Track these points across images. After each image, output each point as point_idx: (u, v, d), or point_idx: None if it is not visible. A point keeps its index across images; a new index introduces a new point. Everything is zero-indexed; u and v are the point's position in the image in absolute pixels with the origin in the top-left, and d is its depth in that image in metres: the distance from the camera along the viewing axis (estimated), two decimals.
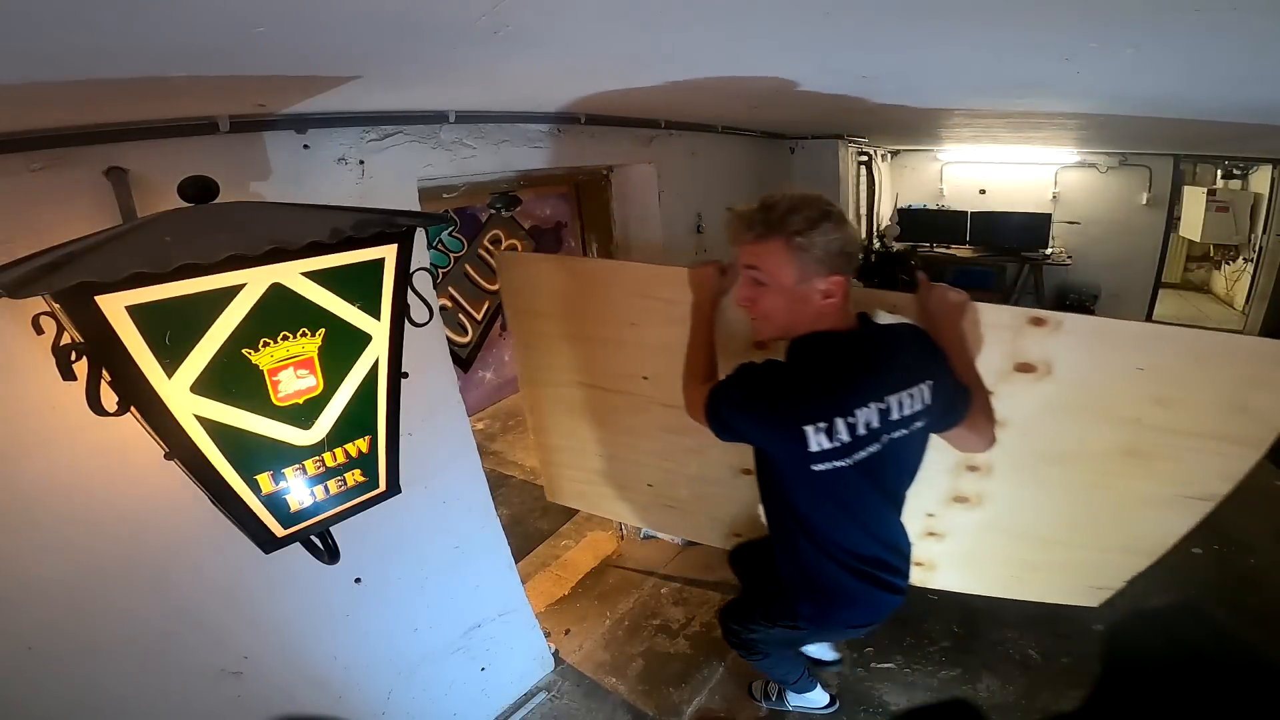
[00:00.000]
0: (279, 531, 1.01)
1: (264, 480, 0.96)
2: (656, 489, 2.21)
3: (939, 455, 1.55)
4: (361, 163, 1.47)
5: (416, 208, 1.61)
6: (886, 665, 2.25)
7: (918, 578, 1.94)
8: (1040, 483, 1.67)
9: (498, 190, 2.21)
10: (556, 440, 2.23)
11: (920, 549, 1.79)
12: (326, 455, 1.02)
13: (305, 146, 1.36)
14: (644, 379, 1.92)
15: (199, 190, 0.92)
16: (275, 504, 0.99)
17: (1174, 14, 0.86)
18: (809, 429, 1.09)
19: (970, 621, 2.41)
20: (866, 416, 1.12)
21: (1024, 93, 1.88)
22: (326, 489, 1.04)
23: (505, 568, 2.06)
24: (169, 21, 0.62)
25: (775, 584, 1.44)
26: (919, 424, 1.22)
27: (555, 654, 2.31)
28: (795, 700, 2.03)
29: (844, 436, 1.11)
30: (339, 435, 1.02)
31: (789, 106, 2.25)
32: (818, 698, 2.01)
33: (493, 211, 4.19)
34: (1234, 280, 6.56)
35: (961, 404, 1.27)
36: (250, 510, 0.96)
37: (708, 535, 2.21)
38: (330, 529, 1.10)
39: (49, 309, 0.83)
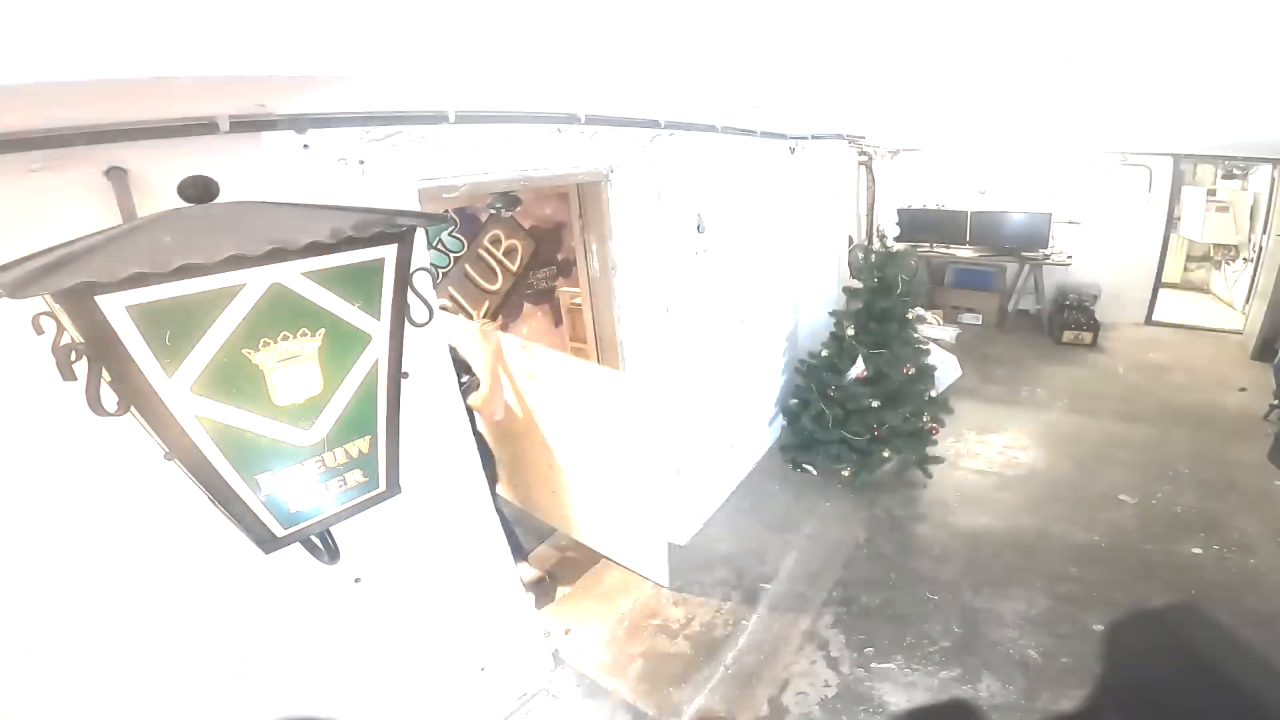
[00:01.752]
0: (279, 531, 1.01)
1: (264, 480, 0.96)
2: None
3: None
4: (361, 163, 1.47)
5: (416, 208, 1.61)
6: (886, 665, 2.25)
7: (577, 532, 2.84)
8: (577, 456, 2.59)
9: (497, 190, 2.21)
10: None
11: (571, 502, 2.73)
12: (327, 455, 1.02)
13: (305, 146, 1.36)
14: None
15: (199, 190, 0.92)
16: (275, 504, 0.99)
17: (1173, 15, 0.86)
18: None
19: (970, 621, 2.41)
20: None
21: (1024, 93, 1.88)
22: (327, 489, 1.04)
23: (505, 568, 2.06)
24: (169, 21, 0.62)
25: None
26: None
27: (555, 654, 2.31)
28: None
29: None
30: (339, 435, 1.02)
31: (788, 104, 2.25)
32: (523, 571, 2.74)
33: (493, 211, 4.20)
34: (1234, 280, 6.56)
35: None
36: (250, 510, 0.96)
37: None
38: (330, 529, 1.10)
39: (49, 309, 0.82)
